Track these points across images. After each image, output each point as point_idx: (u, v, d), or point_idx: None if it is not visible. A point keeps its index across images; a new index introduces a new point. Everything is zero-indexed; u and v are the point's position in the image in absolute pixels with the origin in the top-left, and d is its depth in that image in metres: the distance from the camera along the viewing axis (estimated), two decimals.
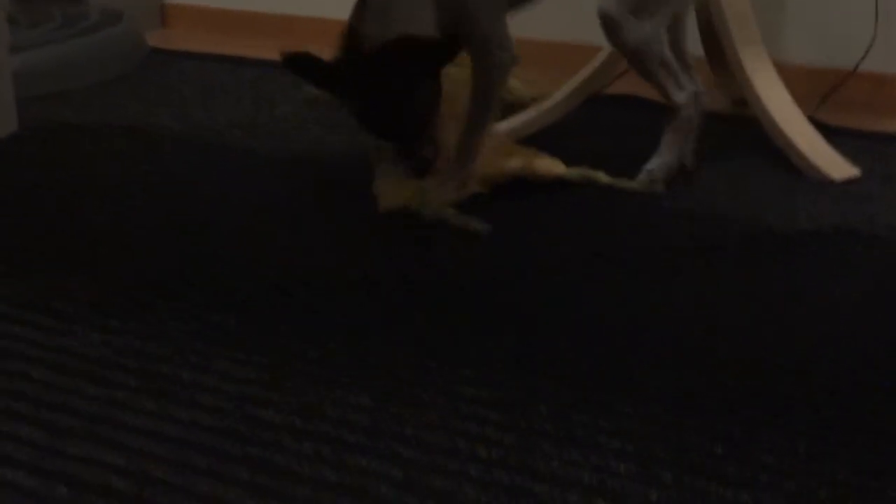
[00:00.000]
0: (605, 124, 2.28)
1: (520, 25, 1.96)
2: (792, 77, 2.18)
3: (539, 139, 2.14)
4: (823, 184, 1.99)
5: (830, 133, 2.11)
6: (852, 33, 2.40)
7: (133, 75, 2.69)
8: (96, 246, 1.78)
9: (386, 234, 1.83)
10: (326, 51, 1.79)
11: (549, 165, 1.99)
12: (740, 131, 2.21)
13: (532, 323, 1.53)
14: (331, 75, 1.78)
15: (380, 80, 1.74)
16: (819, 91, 2.31)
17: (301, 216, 1.90)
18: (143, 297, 1.61)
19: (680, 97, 1.98)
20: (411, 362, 1.42)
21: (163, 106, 2.46)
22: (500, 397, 1.34)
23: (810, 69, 2.35)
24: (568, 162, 1.99)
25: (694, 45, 2.14)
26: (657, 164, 1.99)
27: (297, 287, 1.63)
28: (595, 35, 2.00)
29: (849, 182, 2.00)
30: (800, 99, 2.12)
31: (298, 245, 1.79)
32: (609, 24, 1.93)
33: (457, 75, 1.92)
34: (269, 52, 2.73)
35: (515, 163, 1.98)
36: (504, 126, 2.16)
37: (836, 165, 2.04)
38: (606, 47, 2.17)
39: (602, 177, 1.97)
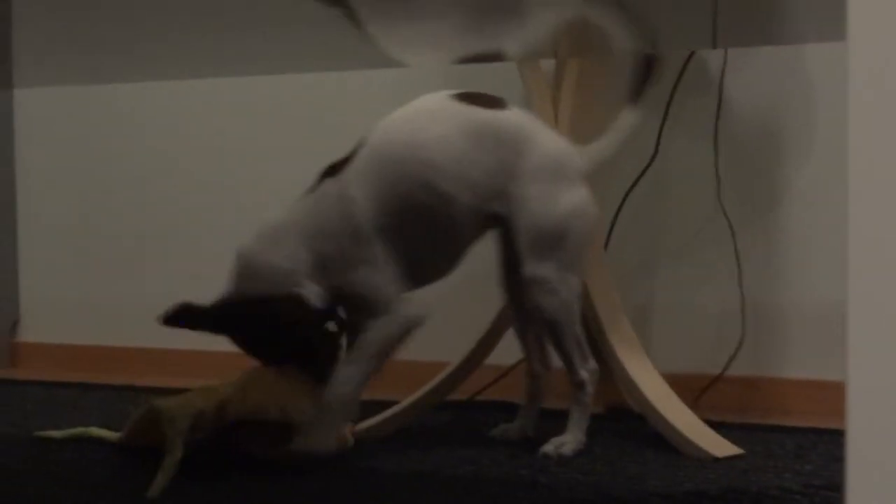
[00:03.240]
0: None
1: None
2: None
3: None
4: (706, 460, 1.90)
5: (709, 425, 2.04)
6: (720, 339, 2.40)
7: None
8: None
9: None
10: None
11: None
12: (613, 427, 2.14)
13: None
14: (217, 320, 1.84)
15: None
16: (688, 397, 2.26)
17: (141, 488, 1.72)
18: None
19: (584, 374, 1.93)
20: None
21: (1, 418, 2.28)
22: None
23: (678, 374, 2.30)
24: None
25: None
26: (569, 440, 1.92)
27: None
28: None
29: (733, 458, 1.91)
30: None
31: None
32: (543, 287, 1.87)
33: None
34: (119, 379, 2.68)
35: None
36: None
37: (717, 444, 1.95)
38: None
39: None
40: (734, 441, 1.98)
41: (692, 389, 2.30)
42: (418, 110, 1.90)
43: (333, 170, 1.89)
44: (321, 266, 1.83)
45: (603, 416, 2.25)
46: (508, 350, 2.31)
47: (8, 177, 3.09)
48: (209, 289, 2.87)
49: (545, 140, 1.90)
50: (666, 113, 2.34)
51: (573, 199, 1.89)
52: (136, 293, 2.99)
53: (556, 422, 1.98)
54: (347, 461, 1.88)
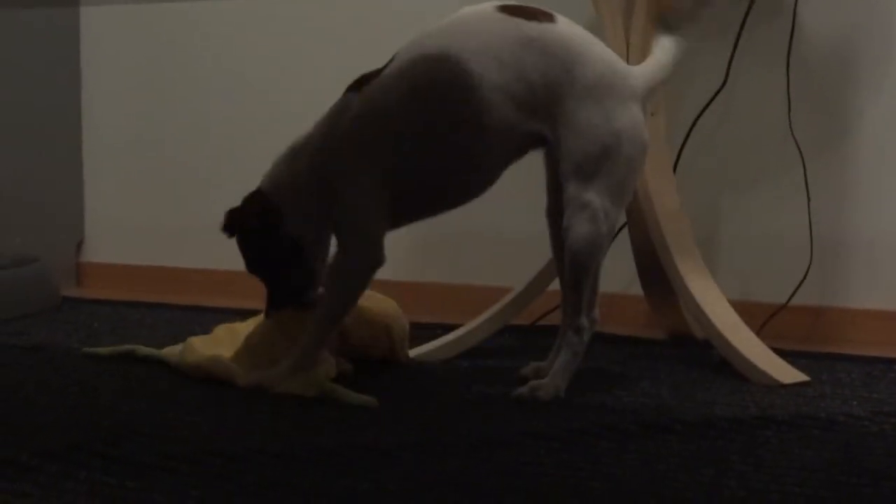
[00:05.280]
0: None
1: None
2: None
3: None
4: (773, 387, 1.89)
5: (774, 352, 2.03)
6: (787, 267, 2.38)
7: (42, 314, 2.56)
8: None
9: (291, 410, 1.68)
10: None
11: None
12: (677, 353, 2.14)
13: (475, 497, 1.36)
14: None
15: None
16: (753, 326, 2.25)
17: (208, 400, 1.74)
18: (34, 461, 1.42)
19: (585, 321, 1.80)
20: None
21: (71, 335, 2.32)
22: None
23: (743, 302, 2.28)
24: None
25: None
26: (547, 385, 1.79)
27: (205, 457, 1.46)
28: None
29: (799, 385, 1.91)
30: None
31: (206, 421, 1.63)
32: (584, 213, 1.72)
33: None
34: (180, 300, 2.71)
35: None
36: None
37: (784, 371, 1.95)
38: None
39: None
40: (800, 369, 1.97)
41: (757, 318, 2.28)
42: (456, 21, 1.78)
43: (360, 83, 1.81)
44: (322, 184, 1.79)
45: (667, 343, 2.26)
46: None
47: (73, 96, 3.10)
48: None
49: (596, 55, 1.76)
50: (738, 38, 2.30)
51: (624, 120, 1.74)
52: (199, 214, 3.01)
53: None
54: (415, 382, 1.90)
